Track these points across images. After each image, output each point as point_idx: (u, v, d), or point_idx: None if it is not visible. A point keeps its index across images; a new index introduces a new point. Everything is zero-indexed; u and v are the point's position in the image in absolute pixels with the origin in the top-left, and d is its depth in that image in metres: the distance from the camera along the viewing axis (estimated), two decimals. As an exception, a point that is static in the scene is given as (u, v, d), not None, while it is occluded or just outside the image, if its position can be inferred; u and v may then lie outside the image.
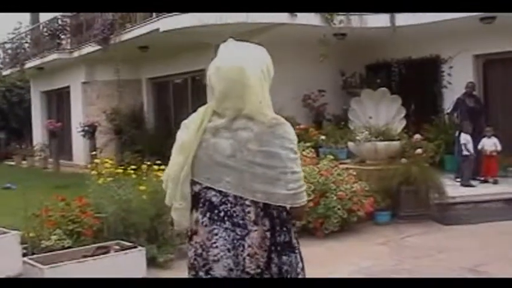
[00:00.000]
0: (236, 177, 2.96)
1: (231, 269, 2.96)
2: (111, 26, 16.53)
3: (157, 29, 14.02)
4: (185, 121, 3.19)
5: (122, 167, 8.60)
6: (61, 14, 20.30)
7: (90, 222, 7.41)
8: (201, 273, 3.03)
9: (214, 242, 2.98)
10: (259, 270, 2.97)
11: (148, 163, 8.79)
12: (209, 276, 3.00)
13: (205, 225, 3.01)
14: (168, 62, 17.59)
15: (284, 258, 3.02)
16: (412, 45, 14.91)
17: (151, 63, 18.55)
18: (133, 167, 8.63)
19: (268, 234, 2.97)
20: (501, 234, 9.17)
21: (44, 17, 22.17)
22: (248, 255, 2.95)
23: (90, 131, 18.87)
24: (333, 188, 9.37)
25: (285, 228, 3.04)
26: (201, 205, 3.05)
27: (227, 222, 2.97)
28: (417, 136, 11.71)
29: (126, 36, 16.06)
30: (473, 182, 12.29)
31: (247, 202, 2.96)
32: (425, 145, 11.60)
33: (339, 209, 9.17)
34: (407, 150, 11.31)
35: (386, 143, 11.47)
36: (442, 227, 9.79)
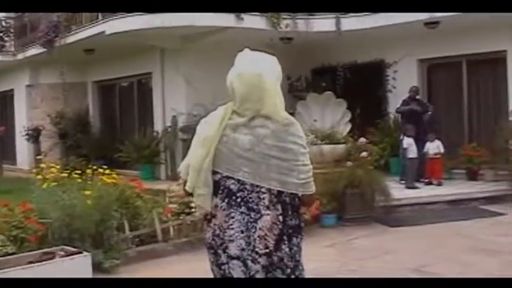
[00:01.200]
0: (253, 168, 3.37)
1: (243, 249, 3.37)
2: (56, 28, 16.31)
3: (103, 32, 13.91)
4: (205, 118, 3.57)
5: (67, 172, 8.50)
6: (4, 15, 19.97)
7: (35, 227, 7.28)
8: (219, 251, 3.44)
9: (231, 224, 3.40)
10: (267, 251, 3.36)
11: (94, 167, 8.72)
12: (226, 254, 3.41)
13: (224, 210, 3.42)
14: (115, 64, 17.45)
15: (294, 239, 3.45)
16: (357, 49, 15.09)
17: (97, 66, 18.37)
18: (78, 171, 8.53)
19: (280, 218, 3.39)
20: (445, 235, 9.32)
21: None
22: (258, 236, 3.35)
23: (34, 135, 18.58)
24: (279, 190, 9.32)
25: (295, 213, 3.48)
26: (220, 192, 3.45)
27: (243, 207, 3.39)
28: (362, 139, 11.82)
29: (72, 39, 15.89)
30: (417, 184, 12.50)
31: (263, 190, 3.37)
32: (371, 148, 11.70)
33: (285, 212, 9.15)
34: (352, 153, 11.40)
35: (331, 146, 11.55)
36: (388, 229, 9.90)
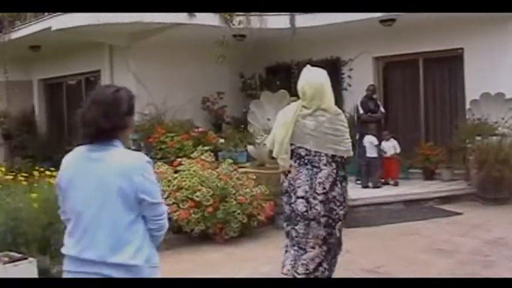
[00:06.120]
0: (316, 141, 5.58)
1: (306, 191, 5.56)
2: (-1, 24, 15.87)
3: (50, 28, 13.49)
4: (282, 110, 5.97)
5: (12, 174, 8.24)
6: None
7: (-23, 233, 6.98)
8: (292, 194, 5.68)
9: (300, 176, 5.59)
10: (324, 191, 5.64)
11: (41, 169, 8.45)
12: (295, 195, 5.65)
13: (295, 167, 5.60)
14: (62, 62, 16.99)
15: (343, 184, 5.70)
16: (312, 47, 14.93)
17: (43, 63, 17.88)
18: (24, 173, 8.29)
19: (334, 171, 5.63)
20: (401, 235, 9.35)
21: None
22: (318, 182, 5.61)
23: (-23, 136, 18.07)
24: (233, 192, 9.28)
25: (343, 168, 5.72)
26: (294, 156, 5.64)
27: (308, 165, 5.58)
28: (317, 138, 11.67)
29: (16, 35, 15.41)
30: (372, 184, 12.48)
31: (322, 154, 5.59)
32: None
33: (238, 213, 9.11)
34: (308, 152, 11.25)
35: (286, 146, 11.40)
36: (344, 229, 9.74)
